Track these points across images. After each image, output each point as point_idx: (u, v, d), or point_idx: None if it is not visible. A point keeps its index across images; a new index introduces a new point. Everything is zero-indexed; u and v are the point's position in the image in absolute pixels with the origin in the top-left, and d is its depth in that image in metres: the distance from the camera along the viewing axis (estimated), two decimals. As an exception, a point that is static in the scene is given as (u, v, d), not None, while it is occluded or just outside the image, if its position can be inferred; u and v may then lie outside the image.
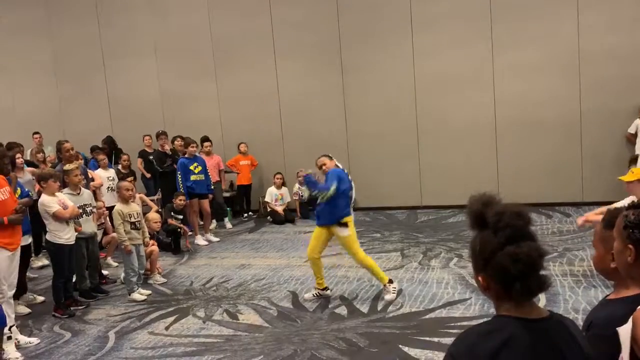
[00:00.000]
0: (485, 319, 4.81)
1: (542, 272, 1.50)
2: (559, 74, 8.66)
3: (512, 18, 8.76)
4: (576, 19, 8.49)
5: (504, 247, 1.48)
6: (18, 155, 6.69)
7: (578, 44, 8.52)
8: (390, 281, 5.34)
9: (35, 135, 10.18)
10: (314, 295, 5.51)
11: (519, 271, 1.46)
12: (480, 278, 1.55)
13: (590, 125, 8.60)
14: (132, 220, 6.00)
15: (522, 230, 1.50)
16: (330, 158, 5.50)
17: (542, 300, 4.76)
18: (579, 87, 8.61)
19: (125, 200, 6.08)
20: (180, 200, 8.05)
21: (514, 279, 1.47)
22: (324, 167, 5.40)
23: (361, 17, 9.53)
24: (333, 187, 5.13)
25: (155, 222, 7.22)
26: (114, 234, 6.69)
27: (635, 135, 8.13)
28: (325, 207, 5.26)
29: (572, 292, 5.11)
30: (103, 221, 7.26)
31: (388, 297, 5.25)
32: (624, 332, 1.57)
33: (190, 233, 8.41)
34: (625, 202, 4.79)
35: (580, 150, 8.71)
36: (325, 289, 5.55)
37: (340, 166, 5.54)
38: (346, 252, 5.55)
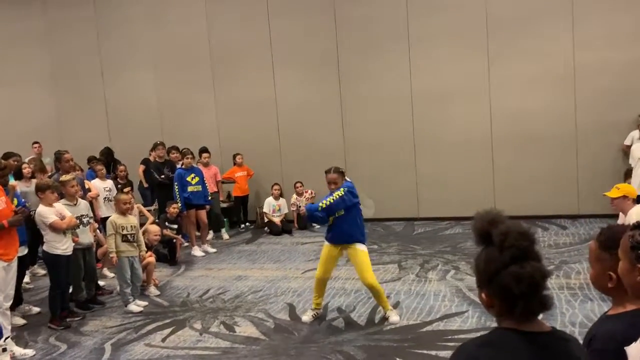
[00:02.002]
0: (482, 332, 4.80)
1: (545, 292, 1.51)
2: (554, 88, 8.73)
3: (508, 33, 8.83)
4: (571, 33, 8.57)
5: (508, 266, 1.49)
6: (25, 165, 6.72)
7: (573, 58, 8.60)
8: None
9: (35, 145, 10.15)
10: (313, 317, 5.26)
11: (522, 292, 1.48)
12: (483, 295, 1.57)
13: (586, 138, 8.66)
14: (125, 232, 5.97)
15: (527, 251, 1.52)
16: (343, 174, 5.13)
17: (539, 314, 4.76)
18: (575, 101, 8.68)
19: (122, 212, 6.08)
20: (174, 208, 8.03)
21: (517, 299, 1.49)
22: (332, 187, 5.01)
23: (359, 30, 9.60)
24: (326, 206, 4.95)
25: (155, 235, 7.19)
26: (108, 244, 6.66)
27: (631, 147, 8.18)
28: (345, 225, 5.05)
29: (569, 305, 5.12)
30: (94, 234, 7.22)
31: (394, 318, 5.08)
32: (634, 350, 1.57)
33: (186, 244, 8.40)
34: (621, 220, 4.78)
35: (577, 162, 8.76)
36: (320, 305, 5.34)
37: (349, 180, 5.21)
38: (357, 272, 5.16)
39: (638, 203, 5.88)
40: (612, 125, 8.43)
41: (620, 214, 5.22)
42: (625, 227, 1.78)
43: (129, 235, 6.00)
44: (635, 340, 1.59)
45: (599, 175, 8.40)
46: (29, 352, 4.89)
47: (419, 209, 9.63)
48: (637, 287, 1.67)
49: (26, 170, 6.69)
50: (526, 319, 1.52)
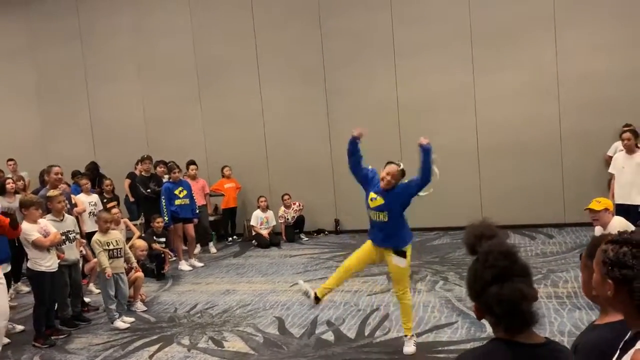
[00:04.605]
0: (472, 343, 4.78)
1: (528, 310, 1.52)
2: (538, 98, 8.83)
3: (492, 44, 8.94)
4: (554, 44, 8.70)
5: (490, 286, 1.52)
6: (9, 181, 6.63)
7: (557, 68, 8.72)
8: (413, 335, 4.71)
9: (10, 162, 10.02)
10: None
11: (502, 311, 1.51)
12: (474, 307, 1.61)
13: (570, 147, 8.76)
14: (110, 248, 5.92)
15: (507, 271, 1.53)
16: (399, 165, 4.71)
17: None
18: (559, 111, 8.78)
19: (102, 230, 6.03)
20: (159, 222, 7.97)
21: (499, 316, 1.53)
22: (388, 178, 4.72)
23: (345, 42, 9.66)
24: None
25: (142, 251, 7.10)
26: (96, 260, 6.59)
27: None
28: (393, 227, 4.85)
29: (557, 314, 5.14)
30: (82, 249, 7.15)
31: (408, 349, 4.58)
32: None
33: (174, 258, 8.32)
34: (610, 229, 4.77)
35: (562, 172, 8.85)
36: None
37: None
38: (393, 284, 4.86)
39: (616, 212, 5.96)
40: (596, 134, 8.54)
41: (596, 227, 5.18)
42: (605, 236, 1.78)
43: (114, 251, 5.94)
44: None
45: (583, 184, 8.49)
46: (13, 371, 4.80)
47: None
48: (607, 300, 1.66)
49: (9, 185, 6.60)
50: (517, 332, 1.53)
